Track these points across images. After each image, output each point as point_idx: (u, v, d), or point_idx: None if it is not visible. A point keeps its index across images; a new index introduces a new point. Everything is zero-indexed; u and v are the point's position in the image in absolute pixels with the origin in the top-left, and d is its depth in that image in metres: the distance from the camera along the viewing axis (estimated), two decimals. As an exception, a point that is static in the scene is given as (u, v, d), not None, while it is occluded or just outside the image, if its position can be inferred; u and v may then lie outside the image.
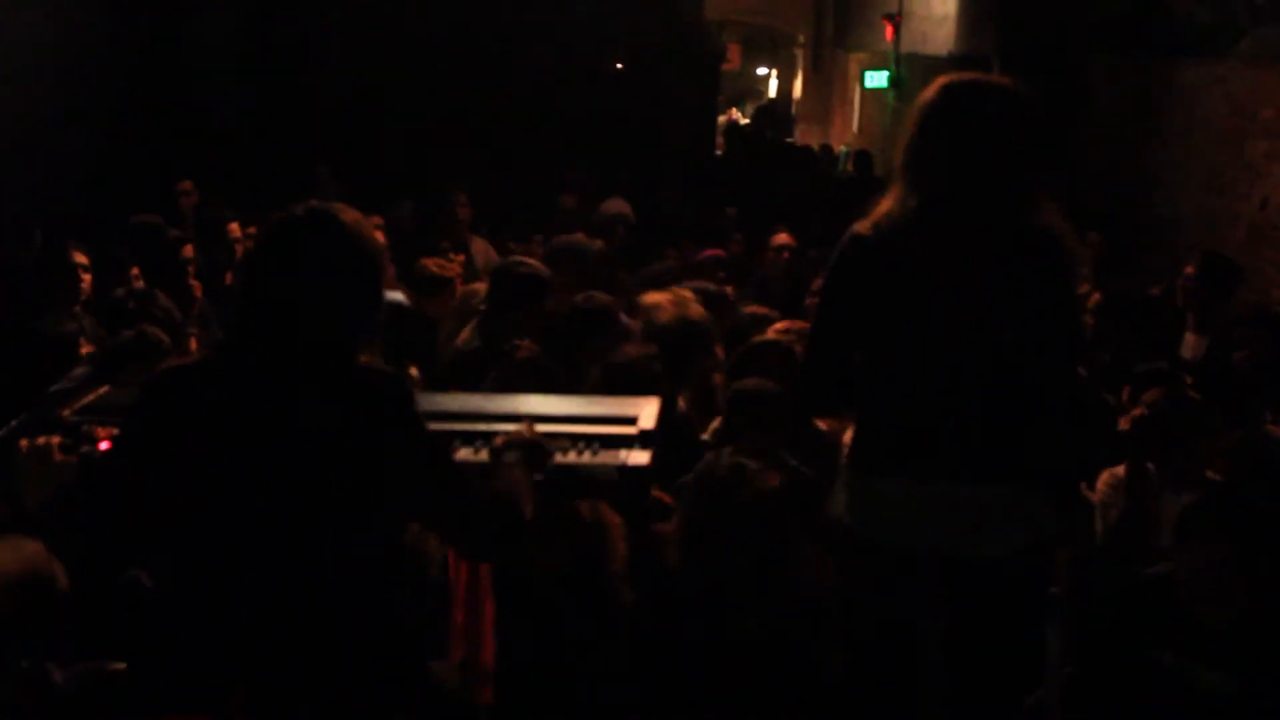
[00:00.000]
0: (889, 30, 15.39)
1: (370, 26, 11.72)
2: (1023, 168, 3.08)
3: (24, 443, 3.71)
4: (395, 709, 2.81)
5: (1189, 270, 6.81)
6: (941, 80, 3.20)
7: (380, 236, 7.53)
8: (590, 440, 3.65)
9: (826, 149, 17.66)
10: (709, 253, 8.01)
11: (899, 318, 3.04)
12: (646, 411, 3.83)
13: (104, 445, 3.37)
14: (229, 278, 7.65)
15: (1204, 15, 7.73)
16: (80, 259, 7.04)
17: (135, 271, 7.04)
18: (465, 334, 5.90)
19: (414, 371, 5.28)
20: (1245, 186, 7.31)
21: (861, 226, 3.14)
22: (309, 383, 2.74)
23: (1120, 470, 4.77)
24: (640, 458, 3.58)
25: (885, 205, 3.15)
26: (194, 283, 7.37)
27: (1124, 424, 5.02)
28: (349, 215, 2.89)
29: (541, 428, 3.59)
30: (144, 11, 10.66)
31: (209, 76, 11.22)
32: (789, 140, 20.38)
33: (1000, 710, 3.27)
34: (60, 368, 5.09)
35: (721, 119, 19.43)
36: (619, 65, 12.54)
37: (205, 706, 2.66)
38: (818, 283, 6.12)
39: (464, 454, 3.54)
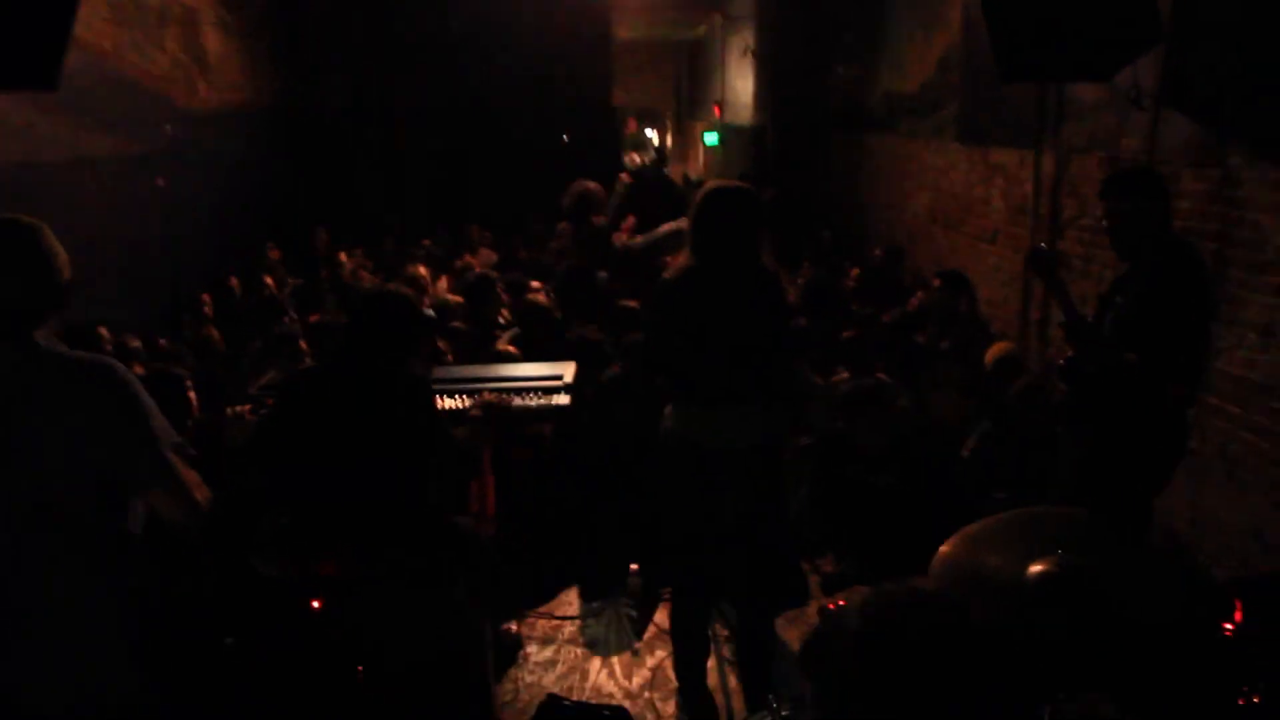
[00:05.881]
0: (716, 109, 15.40)
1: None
2: (750, 238, 2.98)
3: (230, 410, 3.70)
4: (438, 542, 2.81)
5: (877, 252, 7.04)
6: (707, 186, 3.04)
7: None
8: (535, 390, 3.69)
9: (685, 177, 17.69)
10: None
11: (690, 324, 2.99)
12: (568, 371, 3.85)
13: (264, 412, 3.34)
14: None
15: (880, 111, 7.93)
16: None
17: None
18: None
19: None
20: (901, 205, 7.49)
21: (668, 274, 3.06)
22: None
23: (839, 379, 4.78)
24: (563, 399, 3.65)
25: (679, 261, 3.06)
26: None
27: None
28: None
29: (508, 384, 3.62)
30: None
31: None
32: (665, 171, 20.37)
33: (779, 521, 3.23)
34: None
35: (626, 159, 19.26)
36: (565, 137, 12.17)
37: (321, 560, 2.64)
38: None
39: (449, 404, 3.49)
